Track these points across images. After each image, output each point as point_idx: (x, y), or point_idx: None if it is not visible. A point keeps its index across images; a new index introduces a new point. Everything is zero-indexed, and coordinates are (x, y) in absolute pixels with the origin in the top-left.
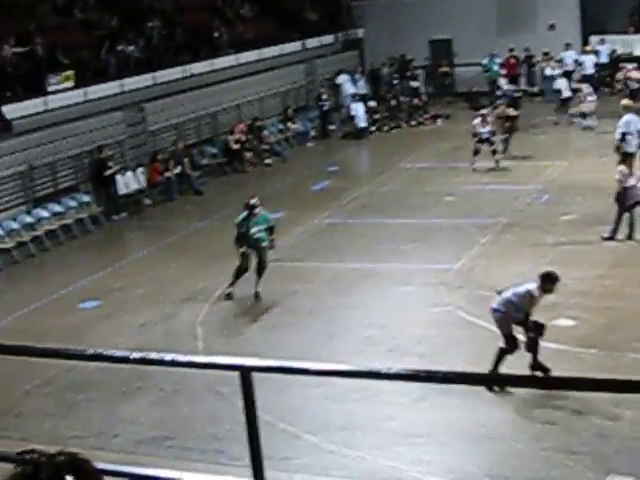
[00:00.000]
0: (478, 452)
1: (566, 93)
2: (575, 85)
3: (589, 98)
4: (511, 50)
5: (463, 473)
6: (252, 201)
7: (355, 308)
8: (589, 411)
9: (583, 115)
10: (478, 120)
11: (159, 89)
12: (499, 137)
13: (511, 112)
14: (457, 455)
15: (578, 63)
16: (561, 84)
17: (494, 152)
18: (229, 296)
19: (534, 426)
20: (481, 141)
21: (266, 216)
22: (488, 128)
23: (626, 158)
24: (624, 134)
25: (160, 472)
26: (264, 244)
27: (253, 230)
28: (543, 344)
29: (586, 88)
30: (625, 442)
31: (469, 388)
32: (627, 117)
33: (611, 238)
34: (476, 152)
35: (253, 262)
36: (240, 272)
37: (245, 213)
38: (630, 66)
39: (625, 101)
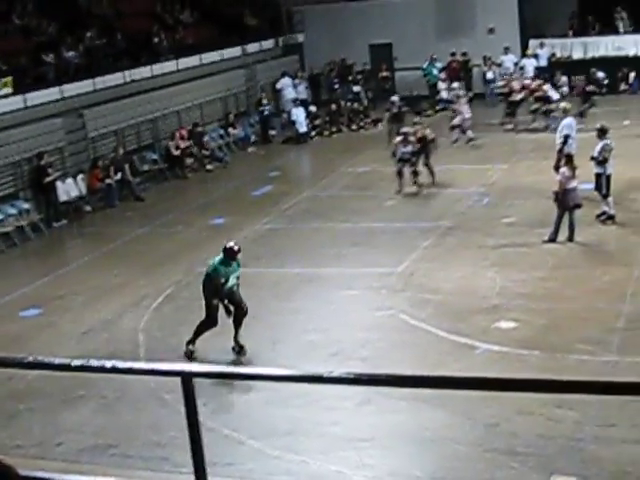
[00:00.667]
0: (422, 455)
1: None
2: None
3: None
4: (452, 54)
5: (407, 477)
6: (235, 247)
7: (298, 313)
8: (532, 412)
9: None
10: (400, 138)
11: (99, 95)
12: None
13: (428, 134)
14: (401, 459)
15: (519, 67)
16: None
17: (415, 173)
18: (192, 355)
19: (477, 428)
20: (402, 161)
21: (239, 260)
22: (410, 148)
23: (568, 160)
24: (567, 137)
25: None
26: (236, 288)
27: (231, 279)
28: (485, 346)
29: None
30: (568, 443)
31: (412, 391)
32: (568, 120)
33: (552, 240)
34: (399, 174)
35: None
36: (209, 326)
37: (221, 259)
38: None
39: (564, 104)
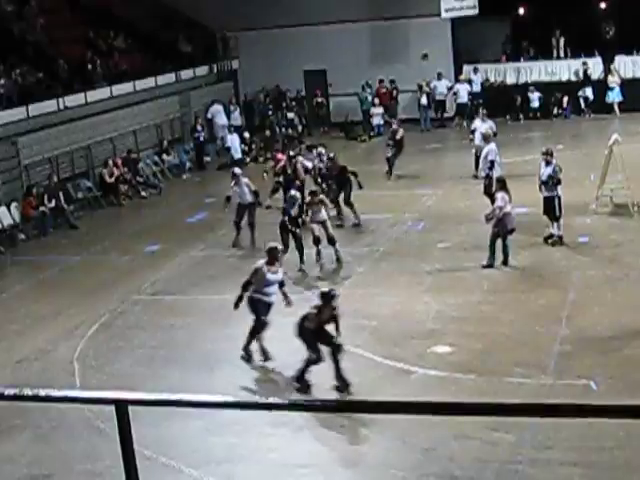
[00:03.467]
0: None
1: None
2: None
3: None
4: (381, 81)
5: None
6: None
7: (234, 339)
8: (468, 436)
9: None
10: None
11: (32, 122)
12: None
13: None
14: None
15: (453, 92)
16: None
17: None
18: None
19: (414, 453)
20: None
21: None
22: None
23: (503, 185)
24: (492, 162)
25: None
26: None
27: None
28: (421, 371)
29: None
30: (505, 466)
31: (349, 417)
32: (492, 146)
33: (490, 266)
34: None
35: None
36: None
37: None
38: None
39: (484, 130)
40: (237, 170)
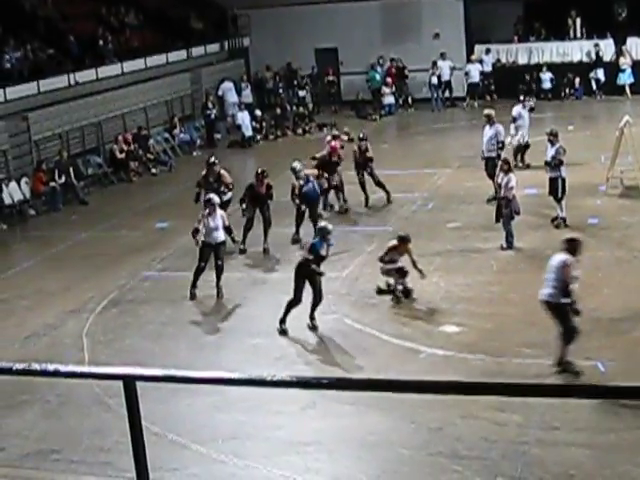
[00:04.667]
0: (367, 459)
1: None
2: None
3: None
4: (392, 60)
5: None
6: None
7: (243, 317)
8: (475, 416)
9: None
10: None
11: (43, 98)
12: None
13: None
14: (346, 463)
15: (465, 72)
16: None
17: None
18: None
19: (421, 432)
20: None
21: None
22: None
23: (509, 167)
24: (503, 143)
25: None
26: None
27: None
28: (429, 350)
29: None
30: (512, 446)
31: (356, 395)
32: (499, 127)
33: (510, 247)
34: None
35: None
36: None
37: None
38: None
39: (487, 110)
40: (215, 199)
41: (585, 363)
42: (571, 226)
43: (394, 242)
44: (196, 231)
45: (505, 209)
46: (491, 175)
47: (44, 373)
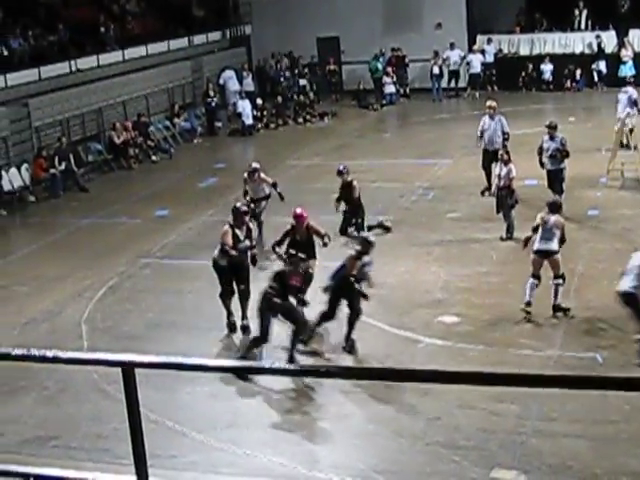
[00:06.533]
0: (365, 448)
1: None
2: None
3: None
4: (393, 49)
5: (350, 469)
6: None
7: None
8: (473, 406)
9: None
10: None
11: (44, 84)
12: None
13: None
14: (344, 451)
15: (466, 62)
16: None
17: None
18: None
19: (419, 422)
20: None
21: None
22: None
23: (509, 157)
24: (509, 134)
25: (45, 470)
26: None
27: None
28: (428, 340)
29: None
30: (509, 437)
31: (355, 384)
32: (502, 118)
33: (510, 237)
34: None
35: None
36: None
37: None
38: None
39: (489, 102)
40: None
41: (583, 355)
42: (571, 218)
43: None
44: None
45: (510, 199)
46: (486, 167)
47: (43, 359)
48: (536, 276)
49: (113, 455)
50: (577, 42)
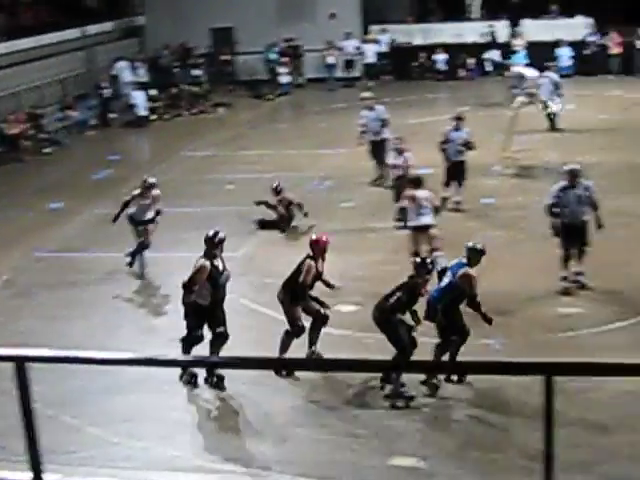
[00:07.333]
0: (264, 438)
1: None
2: None
3: None
4: (287, 40)
5: (249, 459)
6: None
7: (137, 297)
8: (366, 396)
9: None
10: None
11: None
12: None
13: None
14: (243, 441)
15: (359, 52)
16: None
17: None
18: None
19: (319, 412)
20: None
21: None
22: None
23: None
24: (385, 121)
25: None
26: None
27: None
28: (325, 329)
29: None
30: (408, 425)
31: (252, 375)
32: (381, 107)
33: (404, 226)
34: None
35: None
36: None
37: None
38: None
39: (365, 93)
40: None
41: (481, 342)
42: (465, 207)
43: None
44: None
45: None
46: (376, 157)
47: None
48: (417, 253)
49: (9, 452)
50: (470, 32)
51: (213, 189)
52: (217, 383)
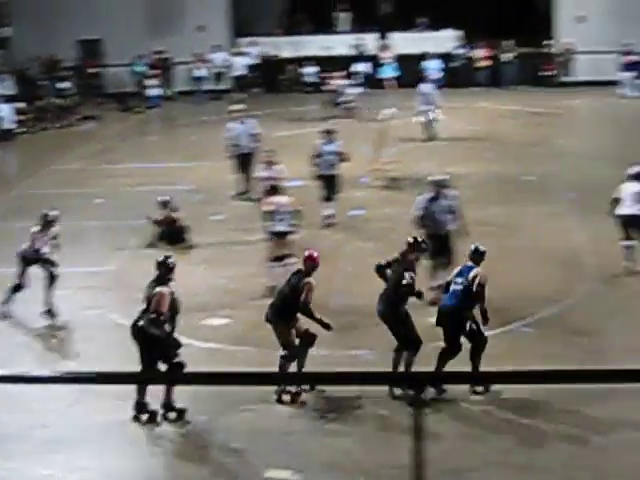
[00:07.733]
0: (134, 454)
1: None
2: None
3: None
4: (156, 52)
5: (121, 477)
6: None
7: (4, 316)
8: (246, 409)
9: None
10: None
11: None
12: None
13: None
14: (115, 459)
15: (227, 65)
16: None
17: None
18: None
19: (193, 424)
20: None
21: None
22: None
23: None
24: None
25: None
26: None
27: None
28: (197, 344)
29: None
30: (282, 437)
31: (120, 390)
32: (251, 120)
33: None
34: None
35: None
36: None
37: None
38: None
39: (235, 106)
40: None
41: (352, 352)
42: (334, 221)
43: None
44: None
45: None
46: (242, 170)
47: None
48: (280, 258)
49: None
50: (339, 44)
51: (82, 203)
52: (178, 417)
